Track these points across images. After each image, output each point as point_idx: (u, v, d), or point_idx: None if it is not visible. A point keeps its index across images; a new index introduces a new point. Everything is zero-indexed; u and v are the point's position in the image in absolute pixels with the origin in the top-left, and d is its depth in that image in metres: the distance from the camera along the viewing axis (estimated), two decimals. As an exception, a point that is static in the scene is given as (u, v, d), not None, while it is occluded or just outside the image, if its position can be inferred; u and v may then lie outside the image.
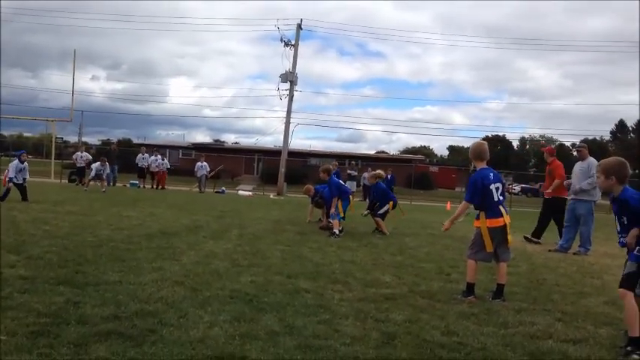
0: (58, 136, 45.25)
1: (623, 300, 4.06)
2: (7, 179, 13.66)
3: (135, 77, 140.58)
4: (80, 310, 4.21)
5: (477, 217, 5.60)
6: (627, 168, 4.23)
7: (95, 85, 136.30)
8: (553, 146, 10.46)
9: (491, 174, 5.58)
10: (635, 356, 3.84)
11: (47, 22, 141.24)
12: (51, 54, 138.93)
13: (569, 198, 10.20)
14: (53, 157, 32.60)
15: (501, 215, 5.51)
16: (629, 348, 3.92)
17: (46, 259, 6.18)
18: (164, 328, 3.91)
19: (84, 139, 65.66)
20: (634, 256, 4.04)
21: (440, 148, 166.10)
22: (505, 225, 5.50)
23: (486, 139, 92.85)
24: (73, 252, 6.72)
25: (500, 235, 5.52)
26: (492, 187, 5.51)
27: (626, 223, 4.15)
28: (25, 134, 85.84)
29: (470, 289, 5.52)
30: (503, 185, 5.79)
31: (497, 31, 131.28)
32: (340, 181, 11.91)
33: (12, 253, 6.34)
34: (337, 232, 9.92)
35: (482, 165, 5.69)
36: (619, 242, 4.29)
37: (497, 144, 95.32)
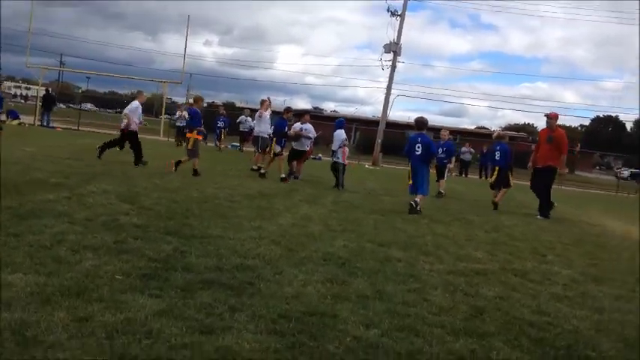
0: (168, 97, 47.33)
1: None
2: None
3: (245, 43, 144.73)
4: (186, 259, 4.54)
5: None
6: None
7: (207, 50, 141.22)
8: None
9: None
10: None
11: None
12: (170, 19, 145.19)
13: None
14: (163, 116, 34.39)
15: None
16: None
17: (156, 210, 6.66)
18: (261, 282, 4.14)
19: (190, 100, 68.38)
20: None
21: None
22: None
23: (597, 119, 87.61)
24: (180, 205, 7.19)
25: None
26: None
27: None
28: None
29: None
30: None
31: (624, 5, 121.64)
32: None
33: (126, 203, 6.88)
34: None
35: None
36: None
37: (608, 125, 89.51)
